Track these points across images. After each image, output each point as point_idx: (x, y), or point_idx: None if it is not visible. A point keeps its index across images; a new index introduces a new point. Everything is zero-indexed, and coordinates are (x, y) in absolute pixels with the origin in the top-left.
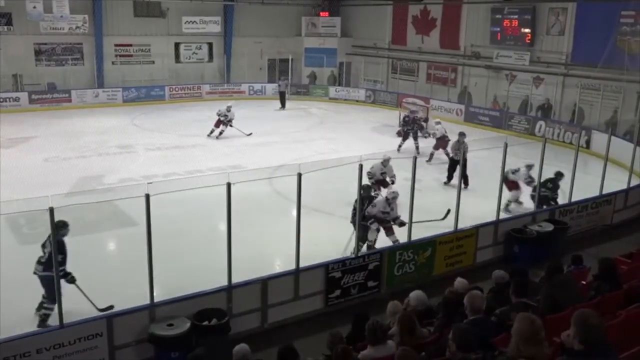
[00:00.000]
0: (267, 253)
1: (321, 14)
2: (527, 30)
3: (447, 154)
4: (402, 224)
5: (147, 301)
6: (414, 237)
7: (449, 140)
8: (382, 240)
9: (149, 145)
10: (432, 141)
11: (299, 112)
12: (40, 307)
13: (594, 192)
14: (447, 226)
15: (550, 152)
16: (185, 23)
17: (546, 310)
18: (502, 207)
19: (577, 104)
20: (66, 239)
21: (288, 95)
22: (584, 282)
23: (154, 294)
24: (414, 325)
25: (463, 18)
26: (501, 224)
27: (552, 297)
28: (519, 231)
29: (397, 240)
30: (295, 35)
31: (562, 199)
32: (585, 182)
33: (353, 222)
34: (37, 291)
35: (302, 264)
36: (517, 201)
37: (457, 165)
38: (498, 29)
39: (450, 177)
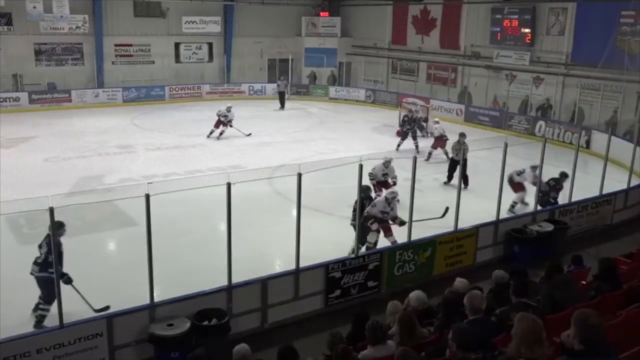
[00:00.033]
0: (267, 253)
1: (321, 14)
2: (527, 30)
3: (446, 153)
4: (402, 223)
5: (147, 301)
6: (414, 237)
7: (447, 139)
8: (382, 241)
9: (149, 145)
10: (431, 141)
11: (299, 112)
12: (36, 308)
13: (594, 192)
14: (447, 226)
15: (550, 152)
16: (185, 23)
17: (546, 310)
18: (508, 208)
19: (577, 104)
20: (64, 239)
21: (288, 96)
22: (584, 282)
23: (154, 294)
24: (414, 325)
25: (463, 18)
26: (501, 224)
27: (552, 297)
28: (519, 231)
29: (395, 241)
30: (295, 35)
31: (561, 199)
32: (585, 182)
33: (353, 224)
34: (37, 291)
35: (302, 264)
36: (523, 202)
37: (457, 165)
38: (498, 29)
39: (450, 177)
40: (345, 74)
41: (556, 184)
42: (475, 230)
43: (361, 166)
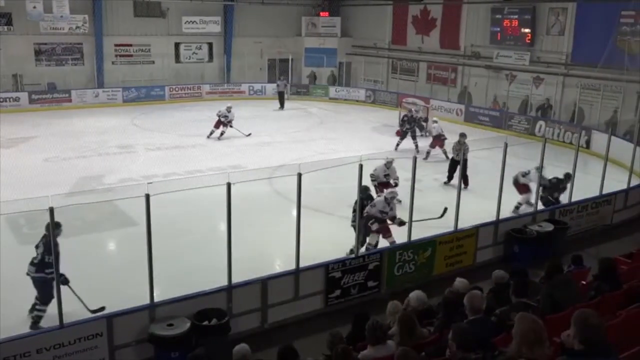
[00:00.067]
0: (267, 253)
1: (321, 14)
2: (527, 30)
3: (445, 152)
4: (401, 224)
5: (147, 301)
6: (414, 237)
7: (445, 138)
8: (382, 241)
9: (149, 145)
10: (430, 140)
11: (299, 112)
12: (32, 309)
13: (594, 192)
14: (447, 226)
15: (550, 152)
16: (185, 23)
17: (546, 310)
18: (512, 209)
19: (577, 104)
20: (62, 239)
21: (287, 96)
22: (584, 282)
23: (154, 294)
24: (414, 325)
25: (463, 18)
26: (501, 224)
27: (552, 297)
28: (519, 231)
29: (394, 242)
30: (295, 35)
31: (561, 199)
32: (585, 182)
33: (354, 225)
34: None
35: (302, 264)
36: (529, 203)
37: (457, 165)
38: (498, 29)
39: (450, 177)
40: (345, 74)
41: (559, 184)
42: (475, 230)
43: (361, 166)
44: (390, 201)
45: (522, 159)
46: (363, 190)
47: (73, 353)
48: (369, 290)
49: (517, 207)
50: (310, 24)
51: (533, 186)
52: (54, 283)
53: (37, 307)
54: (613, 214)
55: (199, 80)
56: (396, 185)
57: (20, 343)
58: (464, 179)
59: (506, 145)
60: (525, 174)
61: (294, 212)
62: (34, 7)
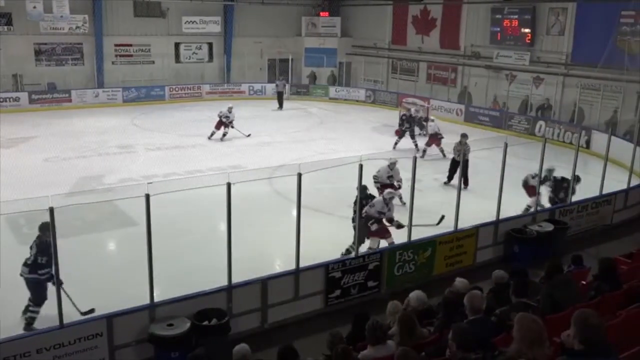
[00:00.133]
0: (267, 253)
1: (321, 14)
2: (527, 30)
3: (442, 151)
4: (399, 226)
5: (147, 301)
6: (414, 237)
7: (442, 137)
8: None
9: (149, 145)
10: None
11: (299, 112)
12: (26, 310)
13: (594, 192)
14: (447, 226)
15: (550, 152)
16: (185, 23)
17: (546, 310)
18: (522, 211)
19: (577, 104)
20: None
21: (287, 96)
22: (584, 282)
23: (154, 294)
24: (414, 325)
25: (463, 18)
26: (501, 224)
27: (552, 297)
28: (519, 231)
29: (393, 242)
30: (295, 35)
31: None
32: (585, 182)
33: (354, 225)
34: None
35: (302, 264)
36: (539, 205)
37: (458, 165)
38: (498, 29)
39: (450, 178)
40: (345, 74)
41: (563, 183)
42: (475, 230)
43: (361, 166)
44: (388, 202)
45: (522, 159)
46: (361, 190)
47: (73, 353)
48: (369, 290)
49: (526, 210)
50: (310, 24)
51: (543, 188)
52: (48, 284)
53: (30, 308)
54: (613, 214)
55: (199, 80)
56: (399, 187)
57: (20, 343)
58: (464, 179)
59: (506, 145)
60: (534, 176)
61: (294, 212)
62: (34, 7)
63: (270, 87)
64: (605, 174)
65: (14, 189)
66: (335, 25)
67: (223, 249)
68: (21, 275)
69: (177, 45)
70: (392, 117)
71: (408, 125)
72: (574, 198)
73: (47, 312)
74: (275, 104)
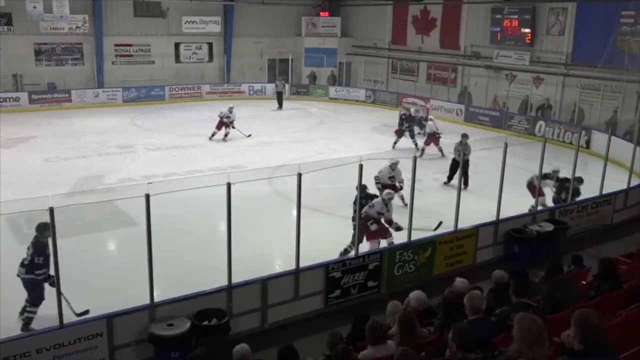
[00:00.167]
0: (267, 253)
1: (321, 14)
2: (527, 30)
3: (440, 150)
4: (398, 229)
5: (147, 301)
6: (413, 237)
7: (440, 136)
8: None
9: (149, 145)
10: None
11: (299, 112)
12: (23, 310)
13: (594, 192)
14: (447, 226)
15: (550, 152)
16: (185, 23)
17: (546, 310)
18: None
19: (577, 104)
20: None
21: (287, 96)
22: (584, 282)
23: (154, 294)
24: (414, 325)
25: (463, 18)
26: (501, 224)
27: (552, 297)
28: (519, 231)
29: (392, 242)
30: (295, 35)
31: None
32: (586, 182)
33: (354, 224)
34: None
35: (302, 264)
36: (544, 205)
37: (458, 165)
38: (498, 29)
39: (450, 178)
40: (345, 74)
41: (566, 183)
42: (475, 230)
43: (361, 166)
44: (387, 202)
45: (522, 159)
46: (361, 189)
47: (73, 353)
48: (369, 290)
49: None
50: (310, 24)
51: (548, 190)
52: (45, 284)
53: (27, 309)
54: (613, 214)
55: (199, 80)
56: (401, 188)
57: (20, 343)
58: (465, 179)
59: (506, 145)
60: (539, 177)
61: (294, 212)
62: (34, 7)
63: (270, 87)
64: (605, 174)
65: (14, 189)
66: (335, 25)
67: (223, 249)
68: (18, 275)
69: (177, 45)
70: (392, 117)
71: (407, 124)
72: (578, 199)
73: (47, 313)
74: (275, 104)
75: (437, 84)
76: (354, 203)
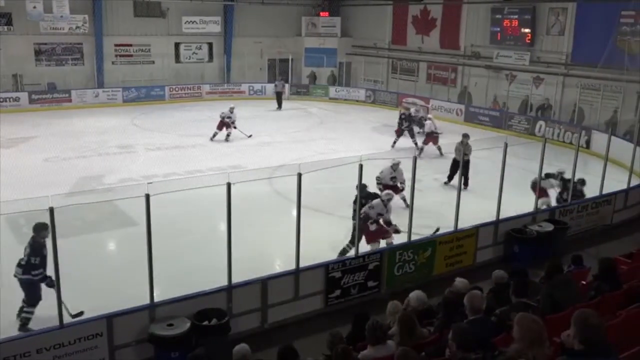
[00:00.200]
0: (267, 253)
1: (321, 14)
2: (527, 30)
3: (439, 149)
4: (397, 231)
5: (147, 301)
6: (414, 237)
7: (438, 135)
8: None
9: (149, 145)
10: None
11: (299, 112)
12: (20, 311)
13: (594, 192)
14: (447, 226)
15: (550, 152)
16: (185, 23)
17: (546, 310)
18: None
19: (577, 104)
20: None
21: (286, 96)
22: (584, 282)
23: (154, 294)
24: (414, 325)
25: (463, 18)
26: (501, 224)
27: (552, 297)
28: (519, 231)
29: (392, 243)
30: (295, 35)
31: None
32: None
33: (354, 223)
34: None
35: (302, 264)
36: (549, 206)
37: (459, 166)
38: (498, 29)
39: (451, 178)
40: (345, 74)
41: (565, 183)
42: (475, 230)
43: (361, 166)
44: (386, 203)
45: (522, 159)
46: (361, 189)
47: (73, 353)
48: (369, 290)
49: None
50: (310, 24)
51: (551, 191)
52: (42, 285)
53: (24, 309)
54: (613, 214)
55: (199, 80)
56: (403, 189)
57: (20, 343)
58: (465, 179)
59: (506, 145)
60: (544, 178)
61: (294, 212)
62: (34, 7)
63: (270, 87)
64: (605, 174)
65: (14, 189)
66: (335, 25)
67: (223, 249)
68: (15, 276)
69: (177, 45)
70: (392, 117)
71: (407, 124)
72: (569, 197)
73: (47, 313)
74: (275, 104)
75: (437, 84)
76: (354, 203)
